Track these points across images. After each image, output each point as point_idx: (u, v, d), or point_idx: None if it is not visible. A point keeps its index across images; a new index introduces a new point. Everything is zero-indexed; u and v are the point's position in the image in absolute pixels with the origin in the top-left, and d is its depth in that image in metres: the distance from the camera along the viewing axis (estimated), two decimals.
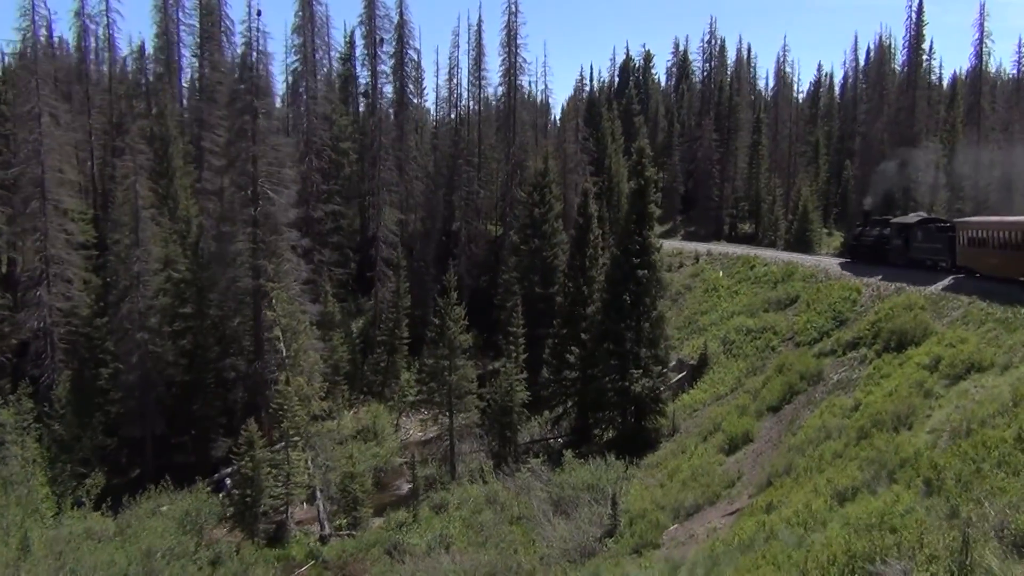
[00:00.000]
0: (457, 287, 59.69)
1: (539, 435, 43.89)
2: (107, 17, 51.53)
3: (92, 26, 51.80)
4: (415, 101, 63.57)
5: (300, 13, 51.57)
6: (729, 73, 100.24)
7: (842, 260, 51.23)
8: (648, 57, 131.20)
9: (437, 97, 67.84)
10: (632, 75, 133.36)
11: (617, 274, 38.94)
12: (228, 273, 39.17)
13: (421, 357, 49.48)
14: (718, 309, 52.16)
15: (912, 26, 66.95)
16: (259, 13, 39.75)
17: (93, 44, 52.22)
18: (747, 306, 49.40)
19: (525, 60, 59.42)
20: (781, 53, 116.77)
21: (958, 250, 37.69)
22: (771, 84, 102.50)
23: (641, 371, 37.75)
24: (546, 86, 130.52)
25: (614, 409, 39.42)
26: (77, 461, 35.70)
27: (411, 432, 47.43)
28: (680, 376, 46.74)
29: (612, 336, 38.43)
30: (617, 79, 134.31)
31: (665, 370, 39.86)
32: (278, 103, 66.32)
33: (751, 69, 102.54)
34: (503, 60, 57.82)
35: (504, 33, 57.60)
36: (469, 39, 58.59)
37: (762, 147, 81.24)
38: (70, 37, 52.22)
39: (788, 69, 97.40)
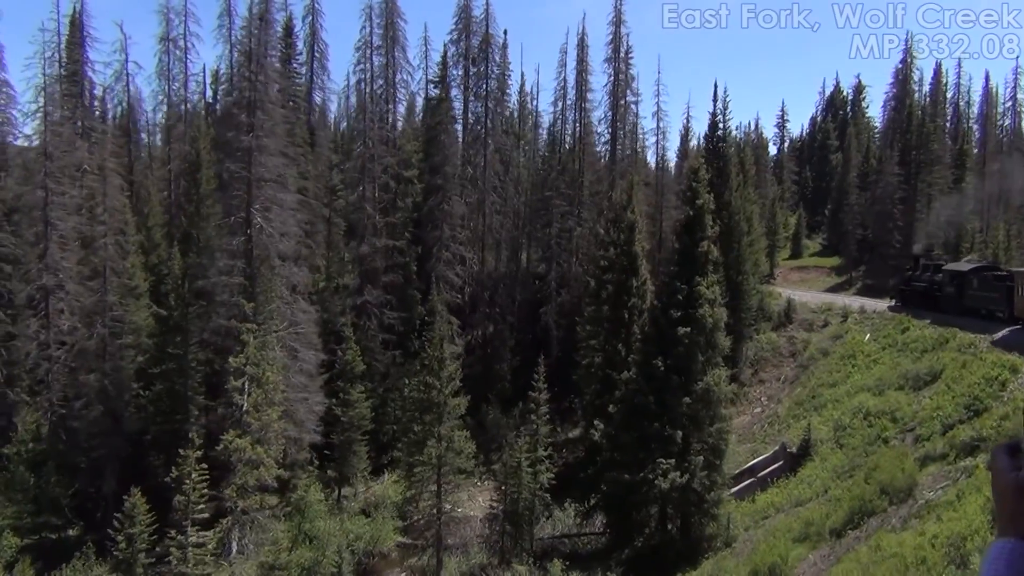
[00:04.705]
0: (544, 339, 52.42)
1: (573, 529, 35.24)
2: (185, 42, 49.49)
3: (175, 51, 49.90)
4: (519, 127, 56.91)
5: (365, 28, 46.84)
6: (949, 98, 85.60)
7: (891, 304, 48.95)
8: (860, 88, 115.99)
9: (536, 121, 60.18)
10: (841, 108, 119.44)
11: (652, 332, 29.99)
12: (211, 311, 34.34)
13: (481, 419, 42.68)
14: (848, 381, 40.76)
15: None
16: (261, 19, 35.17)
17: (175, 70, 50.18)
18: (879, 380, 38.01)
19: (633, 78, 51.12)
20: (1012, 77, 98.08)
21: (1016, 300, 35.55)
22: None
23: (674, 461, 28.48)
24: (658, 108, 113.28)
25: (644, 507, 30.25)
26: (27, 513, 32.09)
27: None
28: (775, 467, 36.41)
29: (642, 412, 29.44)
30: (823, 112, 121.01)
31: (718, 462, 30.11)
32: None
33: (962, 94, 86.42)
34: (609, 77, 49.97)
35: (609, 47, 49.79)
36: (579, 56, 51.30)
37: (965, 184, 66.64)
38: (152, 65, 50.68)
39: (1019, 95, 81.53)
